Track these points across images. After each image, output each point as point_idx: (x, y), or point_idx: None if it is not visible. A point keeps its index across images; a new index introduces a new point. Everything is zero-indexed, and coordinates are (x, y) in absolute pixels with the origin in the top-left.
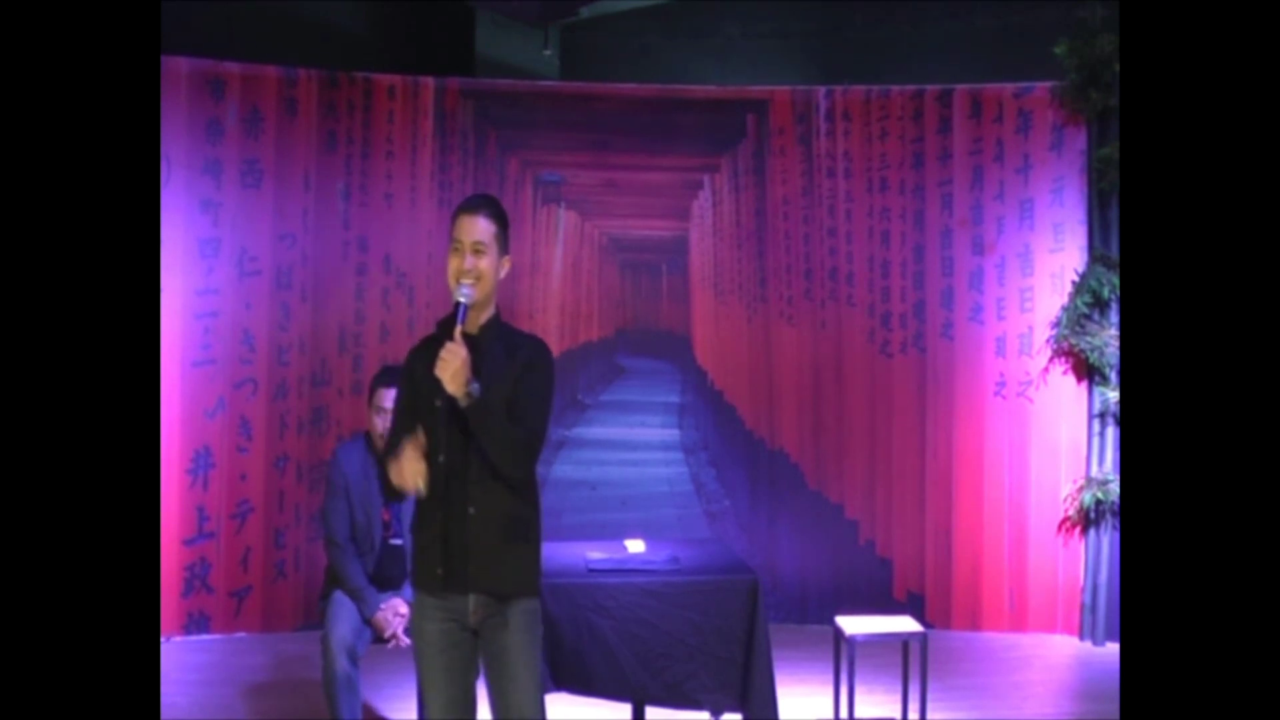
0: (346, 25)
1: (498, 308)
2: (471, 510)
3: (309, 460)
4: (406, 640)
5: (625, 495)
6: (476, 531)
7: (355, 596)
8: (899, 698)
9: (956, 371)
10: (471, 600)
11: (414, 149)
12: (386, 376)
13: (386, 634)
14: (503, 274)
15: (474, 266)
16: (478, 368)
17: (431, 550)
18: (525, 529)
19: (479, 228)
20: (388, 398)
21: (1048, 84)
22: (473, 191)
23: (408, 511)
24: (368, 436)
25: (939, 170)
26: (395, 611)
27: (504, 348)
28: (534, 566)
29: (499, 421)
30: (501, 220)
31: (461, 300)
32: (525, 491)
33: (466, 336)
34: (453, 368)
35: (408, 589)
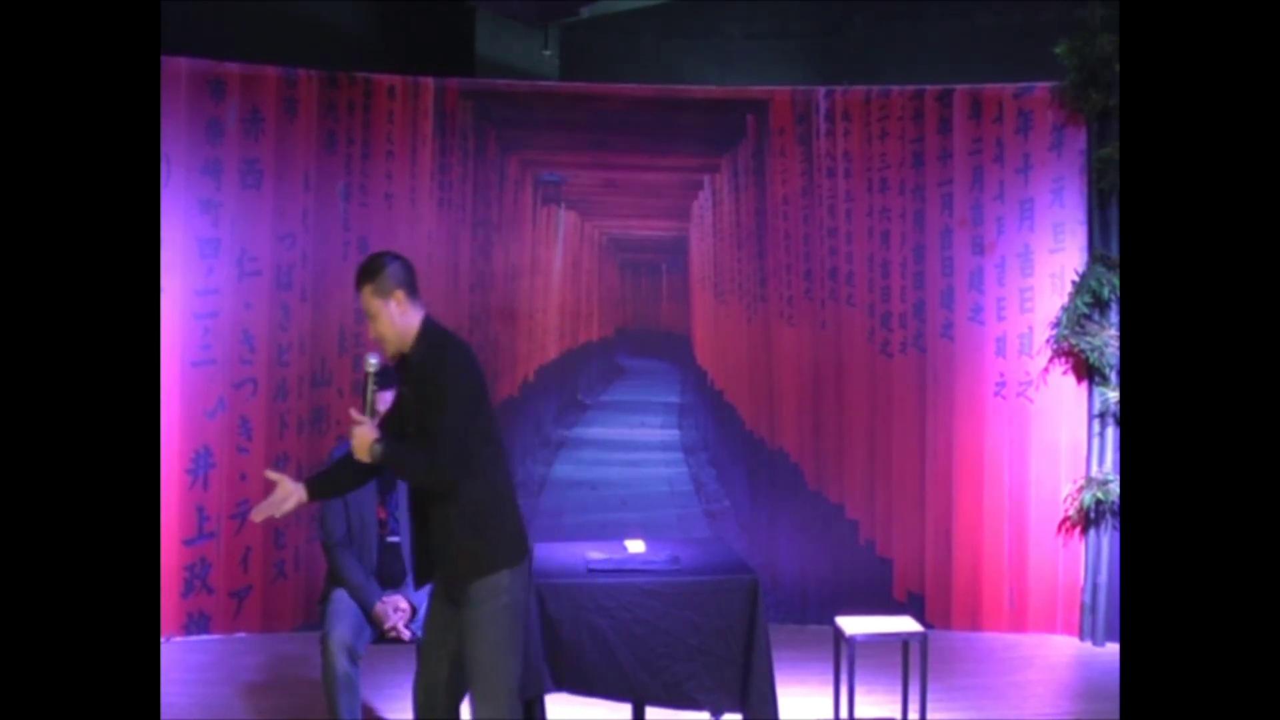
0: (346, 25)
1: (424, 323)
2: (430, 514)
3: (309, 460)
4: (407, 634)
5: (625, 495)
6: (435, 532)
7: (356, 592)
8: (899, 698)
9: (956, 371)
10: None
11: (414, 149)
12: (377, 378)
13: (386, 626)
14: (398, 308)
15: (374, 333)
16: (404, 394)
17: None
18: (470, 524)
19: (361, 299)
20: (379, 399)
21: (1048, 84)
22: (472, 191)
23: (403, 508)
24: None
25: (939, 170)
26: (395, 606)
27: (416, 369)
28: (487, 550)
29: (403, 462)
30: (372, 273)
31: (369, 370)
32: (463, 488)
33: (404, 358)
34: (355, 443)
35: (410, 586)
